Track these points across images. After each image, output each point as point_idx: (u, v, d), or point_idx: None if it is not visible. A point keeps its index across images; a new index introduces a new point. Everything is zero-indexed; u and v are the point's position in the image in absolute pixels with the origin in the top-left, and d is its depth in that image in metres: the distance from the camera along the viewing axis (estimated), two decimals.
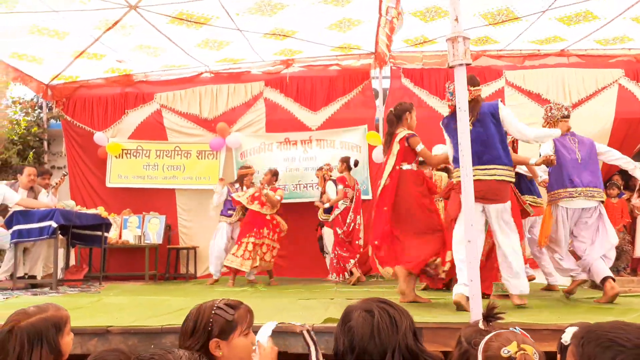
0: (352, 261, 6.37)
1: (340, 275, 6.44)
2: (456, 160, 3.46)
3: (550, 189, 4.36)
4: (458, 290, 3.43)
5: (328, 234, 6.72)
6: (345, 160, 6.68)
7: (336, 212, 6.50)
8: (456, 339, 1.92)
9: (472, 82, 3.61)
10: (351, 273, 6.34)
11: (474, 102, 3.61)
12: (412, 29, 6.43)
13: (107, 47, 6.62)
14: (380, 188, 4.15)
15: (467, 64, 2.60)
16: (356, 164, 6.80)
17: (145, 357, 1.29)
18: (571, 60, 7.43)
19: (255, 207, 6.41)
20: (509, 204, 3.67)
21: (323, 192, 6.76)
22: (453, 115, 3.46)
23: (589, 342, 1.14)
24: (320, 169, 6.93)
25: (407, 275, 3.99)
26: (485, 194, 3.51)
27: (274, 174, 6.77)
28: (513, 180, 3.75)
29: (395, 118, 4.27)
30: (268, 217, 6.40)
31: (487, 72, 7.48)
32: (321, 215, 6.80)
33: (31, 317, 1.72)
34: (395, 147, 4.11)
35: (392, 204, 4.05)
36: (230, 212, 6.82)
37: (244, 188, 6.78)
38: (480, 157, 3.52)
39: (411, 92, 7.58)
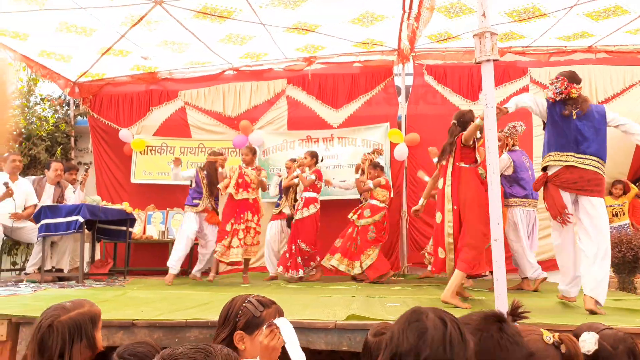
0: (318, 258, 6.42)
1: (294, 271, 6.23)
2: (552, 145, 3.68)
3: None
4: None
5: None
6: (314, 155, 6.60)
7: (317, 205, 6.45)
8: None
9: (575, 79, 3.73)
10: (313, 270, 6.47)
11: (582, 98, 3.72)
12: (436, 25, 6.37)
13: (132, 43, 6.71)
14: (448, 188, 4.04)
15: (495, 60, 2.57)
16: (322, 159, 6.77)
17: (181, 357, 1.26)
18: (599, 57, 7.26)
19: (241, 195, 6.08)
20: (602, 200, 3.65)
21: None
22: (556, 103, 3.68)
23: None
24: (293, 160, 6.88)
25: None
26: (586, 184, 3.58)
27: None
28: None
29: (461, 127, 4.22)
30: (251, 201, 6.11)
31: (512, 69, 7.37)
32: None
33: (71, 312, 1.76)
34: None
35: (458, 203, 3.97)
36: (196, 201, 6.22)
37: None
38: (587, 148, 3.65)
39: (434, 90, 7.51)
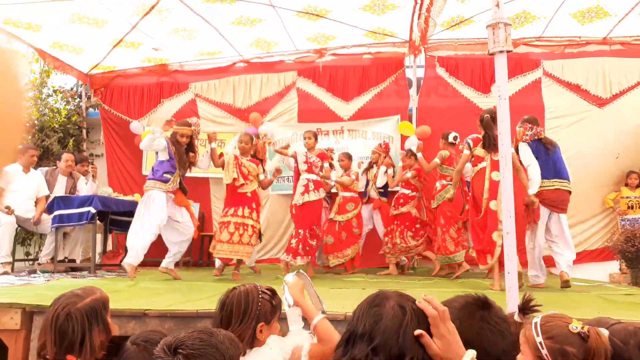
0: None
1: (301, 258, 5.72)
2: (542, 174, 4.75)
3: None
4: None
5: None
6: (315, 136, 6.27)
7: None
8: None
9: (538, 122, 4.99)
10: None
11: (545, 139, 4.92)
12: (448, 10, 6.27)
13: (143, 33, 6.71)
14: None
15: (508, 51, 2.54)
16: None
17: (186, 340, 1.29)
18: (613, 49, 7.15)
19: (241, 188, 5.47)
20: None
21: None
22: (535, 142, 4.83)
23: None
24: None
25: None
26: (560, 203, 4.80)
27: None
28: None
29: (494, 122, 4.53)
30: (249, 194, 5.49)
31: (525, 61, 7.29)
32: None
33: (86, 299, 1.79)
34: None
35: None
36: (167, 175, 5.29)
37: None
38: (562, 174, 4.83)
39: (445, 82, 7.46)
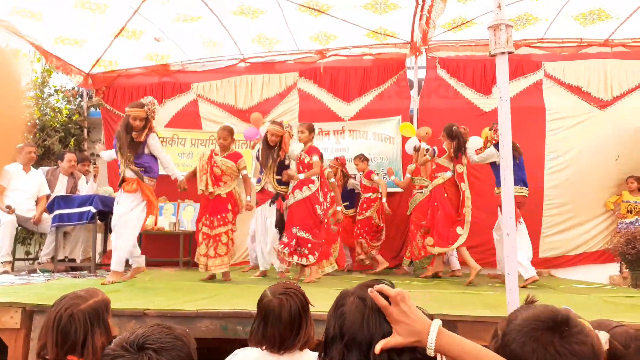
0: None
1: (299, 258, 5.21)
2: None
3: None
4: None
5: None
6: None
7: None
8: (492, 332, 1.89)
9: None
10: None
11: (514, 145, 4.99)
12: (450, 12, 6.27)
13: (145, 19, 6.68)
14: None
15: (510, 53, 2.54)
16: None
17: (150, 335, 1.24)
18: (615, 51, 7.15)
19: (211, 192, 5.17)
20: None
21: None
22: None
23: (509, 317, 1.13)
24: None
25: None
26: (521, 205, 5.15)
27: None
28: None
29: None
30: (224, 196, 5.22)
31: (526, 63, 7.28)
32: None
33: (89, 301, 1.79)
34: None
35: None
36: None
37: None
38: (524, 180, 5.38)
39: (447, 83, 7.46)
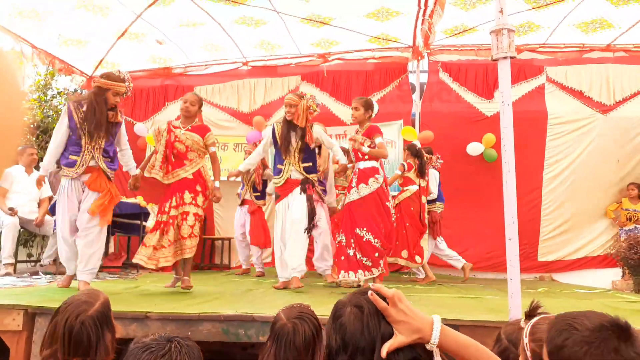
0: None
1: (364, 273, 4.45)
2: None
3: None
4: None
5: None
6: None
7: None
8: (494, 337, 1.89)
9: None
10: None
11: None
12: (452, 19, 6.32)
13: (147, 23, 6.70)
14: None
15: (512, 57, 2.54)
16: None
17: (174, 337, 1.37)
18: (617, 56, 7.16)
19: (173, 177, 4.24)
20: None
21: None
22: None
23: (552, 327, 1.13)
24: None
25: None
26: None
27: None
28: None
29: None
30: (190, 177, 4.26)
31: (528, 67, 7.30)
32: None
33: (95, 305, 1.79)
34: None
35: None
36: (73, 157, 3.96)
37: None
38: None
39: (449, 87, 7.47)
